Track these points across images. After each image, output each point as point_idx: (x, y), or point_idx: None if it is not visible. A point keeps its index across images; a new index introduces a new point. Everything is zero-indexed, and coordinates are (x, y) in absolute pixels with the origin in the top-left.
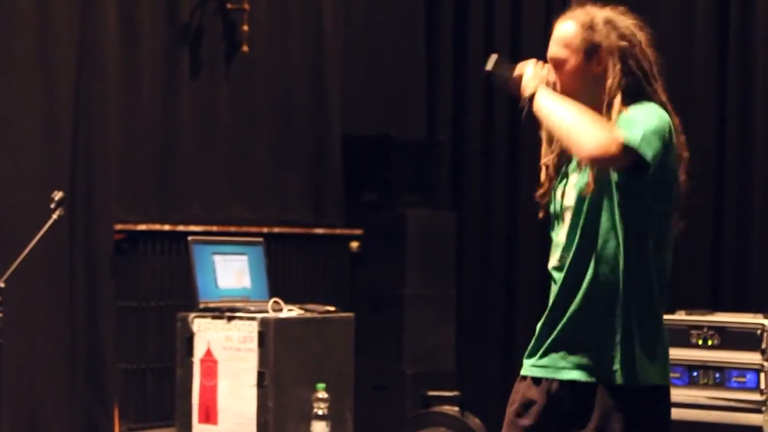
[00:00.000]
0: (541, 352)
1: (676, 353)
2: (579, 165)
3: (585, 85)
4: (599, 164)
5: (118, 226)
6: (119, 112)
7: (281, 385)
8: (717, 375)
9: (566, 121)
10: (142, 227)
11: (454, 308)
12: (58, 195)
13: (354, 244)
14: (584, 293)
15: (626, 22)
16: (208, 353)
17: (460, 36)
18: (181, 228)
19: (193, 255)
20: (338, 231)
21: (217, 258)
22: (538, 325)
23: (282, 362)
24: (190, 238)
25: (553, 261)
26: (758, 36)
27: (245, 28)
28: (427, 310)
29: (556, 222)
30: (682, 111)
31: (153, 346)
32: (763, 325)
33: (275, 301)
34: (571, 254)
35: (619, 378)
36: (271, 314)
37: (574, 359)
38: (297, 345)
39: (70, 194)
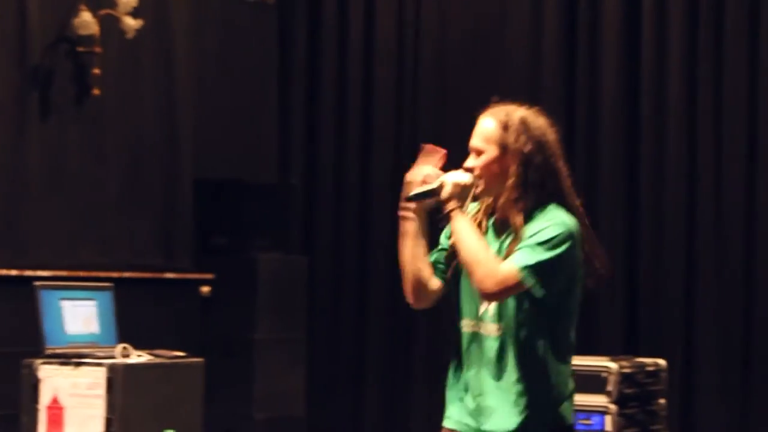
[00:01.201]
0: (470, 405)
1: None
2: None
3: (498, 175)
4: (494, 300)
5: None
6: None
7: None
8: None
9: (469, 254)
10: None
11: (305, 353)
12: None
13: (205, 289)
14: (514, 354)
15: (539, 122)
16: (55, 400)
17: (313, 80)
18: (28, 273)
19: (40, 300)
20: (189, 275)
21: (65, 303)
22: (458, 381)
23: (130, 408)
24: (37, 283)
25: (470, 328)
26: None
27: (96, 71)
28: (277, 355)
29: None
30: None
31: None
32: (608, 368)
33: (124, 347)
34: (504, 322)
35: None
36: (120, 360)
37: (509, 411)
38: (145, 391)
39: None
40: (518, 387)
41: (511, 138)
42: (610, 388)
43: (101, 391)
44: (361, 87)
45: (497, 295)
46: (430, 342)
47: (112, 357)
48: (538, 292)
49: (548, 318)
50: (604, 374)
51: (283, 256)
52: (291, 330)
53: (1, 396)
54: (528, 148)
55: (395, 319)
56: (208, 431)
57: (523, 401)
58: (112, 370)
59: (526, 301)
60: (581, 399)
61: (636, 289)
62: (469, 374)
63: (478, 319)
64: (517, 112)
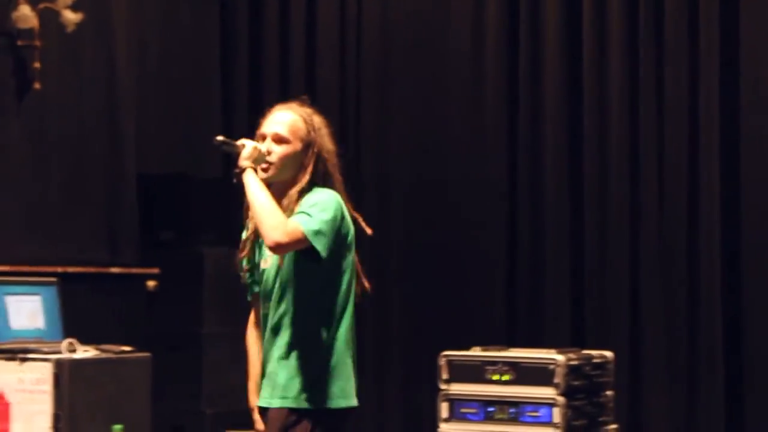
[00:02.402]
0: (264, 379)
1: (471, 389)
2: None
3: (292, 165)
4: (281, 250)
5: None
6: None
7: (77, 427)
8: (512, 410)
9: (261, 207)
10: None
11: None
12: None
13: (151, 284)
14: (282, 336)
15: (322, 121)
16: (1, 396)
17: (256, 72)
18: None
19: None
20: (134, 270)
21: (9, 299)
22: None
23: (77, 404)
24: None
25: (264, 310)
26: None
27: (37, 65)
28: (225, 349)
29: (261, 282)
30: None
31: None
32: (555, 360)
33: (70, 342)
34: (272, 308)
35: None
36: (66, 355)
37: (281, 389)
38: (93, 386)
39: None
40: (283, 358)
41: (312, 135)
42: (557, 380)
43: (48, 386)
44: (303, 81)
45: (285, 245)
46: (377, 334)
47: (59, 352)
48: (320, 247)
49: (317, 285)
50: (551, 366)
51: (230, 250)
52: (238, 324)
53: None
54: (321, 146)
55: None
56: (157, 427)
57: (284, 374)
58: (59, 365)
59: (298, 268)
60: (530, 391)
61: (582, 281)
62: (265, 346)
63: (268, 292)
64: (311, 112)
